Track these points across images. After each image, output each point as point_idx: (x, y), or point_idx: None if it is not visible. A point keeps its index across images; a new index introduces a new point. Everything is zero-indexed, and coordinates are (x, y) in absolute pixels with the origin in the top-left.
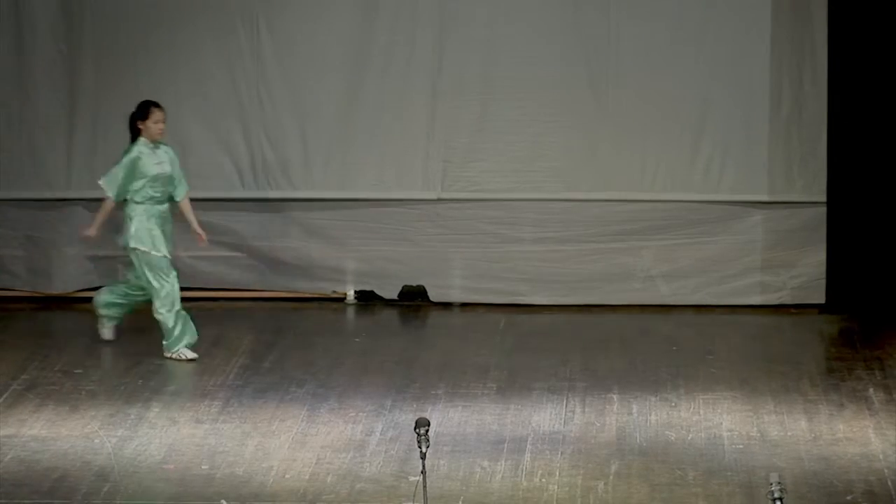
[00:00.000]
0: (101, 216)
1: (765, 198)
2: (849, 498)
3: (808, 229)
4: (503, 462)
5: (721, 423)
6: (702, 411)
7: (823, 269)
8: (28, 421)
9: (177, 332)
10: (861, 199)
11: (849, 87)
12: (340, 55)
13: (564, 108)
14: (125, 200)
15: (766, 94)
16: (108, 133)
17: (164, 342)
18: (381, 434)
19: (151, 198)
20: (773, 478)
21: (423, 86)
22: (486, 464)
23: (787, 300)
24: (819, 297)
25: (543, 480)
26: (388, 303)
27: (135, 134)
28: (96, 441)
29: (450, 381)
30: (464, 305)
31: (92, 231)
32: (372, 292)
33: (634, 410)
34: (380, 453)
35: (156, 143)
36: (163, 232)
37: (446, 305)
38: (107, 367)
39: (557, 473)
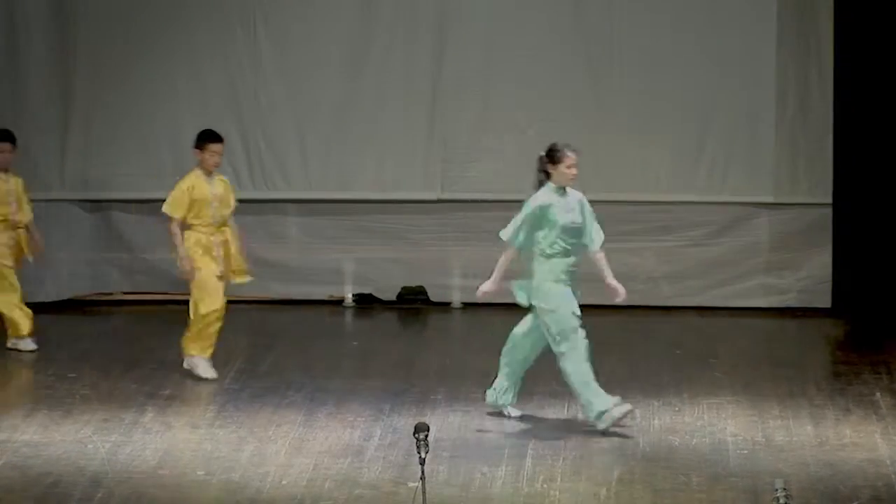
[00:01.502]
0: (500, 268)
1: (770, 199)
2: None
3: (813, 231)
4: (504, 467)
5: (725, 428)
6: (706, 416)
7: (829, 271)
8: (20, 426)
9: (587, 398)
10: (868, 200)
11: (855, 88)
12: (339, 55)
13: (566, 107)
14: (526, 250)
15: (772, 95)
16: (102, 133)
17: (587, 408)
18: (379, 439)
19: (561, 251)
20: (779, 483)
21: (423, 86)
22: (486, 469)
23: (793, 303)
24: (825, 300)
25: (545, 486)
26: (387, 305)
27: (543, 177)
28: (90, 446)
29: (450, 385)
30: (464, 306)
31: (490, 287)
32: (370, 295)
33: (637, 415)
34: (378, 459)
35: (562, 188)
36: (571, 287)
37: (446, 306)
38: (101, 371)
39: (559, 479)
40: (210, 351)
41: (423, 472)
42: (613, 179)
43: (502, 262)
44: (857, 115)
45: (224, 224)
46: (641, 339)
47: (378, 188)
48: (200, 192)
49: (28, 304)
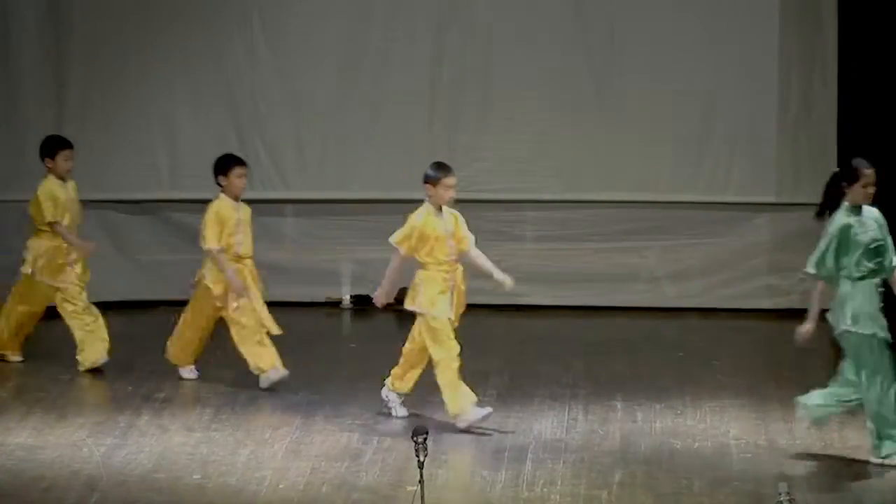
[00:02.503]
0: (814, 305)
1: (772, 199)
2: None
3: (817, 232)
4: (503, 471)
5: (728, 432)
6: (708, 419)
7: None
8: (14, 429)
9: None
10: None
11: (859, 87)
12: (337, 53)
13: (567, 106)
14: (838, 278)
15: (775, 94)
16: (97, 135)
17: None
18: (377, 443)
19: (867, 271)
20: (782, 488)
21: (422, 85)
22: (485, 473)
23: (796, 304)
24: (828, 303)
25: (545, 490)
26: (385, 306)
27: (836, 198)
28: (84, 450)
29: None
30: None
31: (807, 329)
32: (368, 296)
33: (639, 418)
34: (376, 462)
35: (858, 207)
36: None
37: None
38: (95, 374)
39: (559, 483)
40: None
41: (421, 475)
42: (615, 179)
43: (816, 296)
44: (860, 116)
45: (457, 261)
46: (644, 340)
47: (376, 188)
48: (433, 229)
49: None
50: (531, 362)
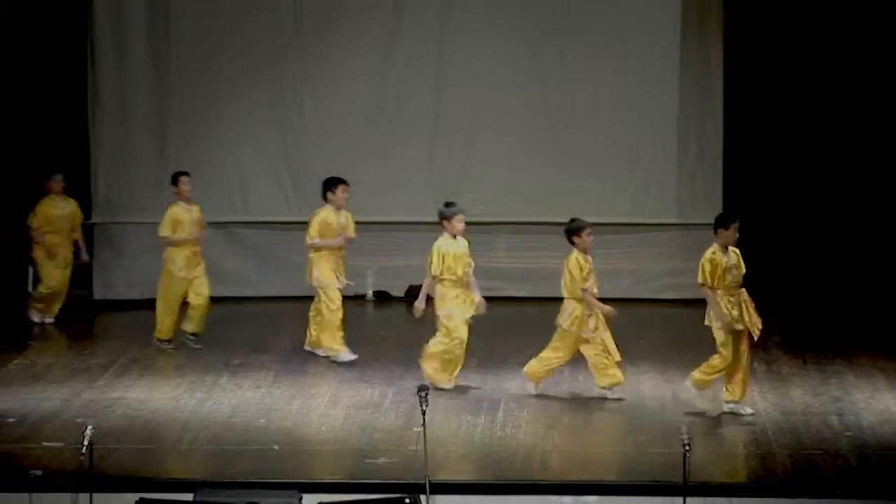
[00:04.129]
0: None
1: (675, 220)
2: (739, 445)
3: (708, 243)
4: (483, 417)
5: (644, 389)
6: (631, 379)
7: None
8: (132, 386)
9: None
10: (749, 220)
11: (741, 137)
12: (362, 113)
13: (531, 150)
14: None
15: (675, 143)
16: (187, 170)
17: None
18: (392, 396)
19: None
20: (683, 429)
21: (424, 135)
22: (470, 419)
23: (689, 296)
24: None
25: (513, 430)
26: (398, 299)
27: None
28: (181, 401)
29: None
30: None
31: None
32: (385, 292)
33: (580, 379)
34: (391, 411)
35: None
36: None
37: None
38: (189, 347)
39: (524, 425)
40: None
41: (424, 420)
42: (565, 206)
43: None
44: (742, 158)
45: (741, 286)
46: None
47: (391, 212)
48: (719, 263)
49: (129, 301)
50: (504, 340)
